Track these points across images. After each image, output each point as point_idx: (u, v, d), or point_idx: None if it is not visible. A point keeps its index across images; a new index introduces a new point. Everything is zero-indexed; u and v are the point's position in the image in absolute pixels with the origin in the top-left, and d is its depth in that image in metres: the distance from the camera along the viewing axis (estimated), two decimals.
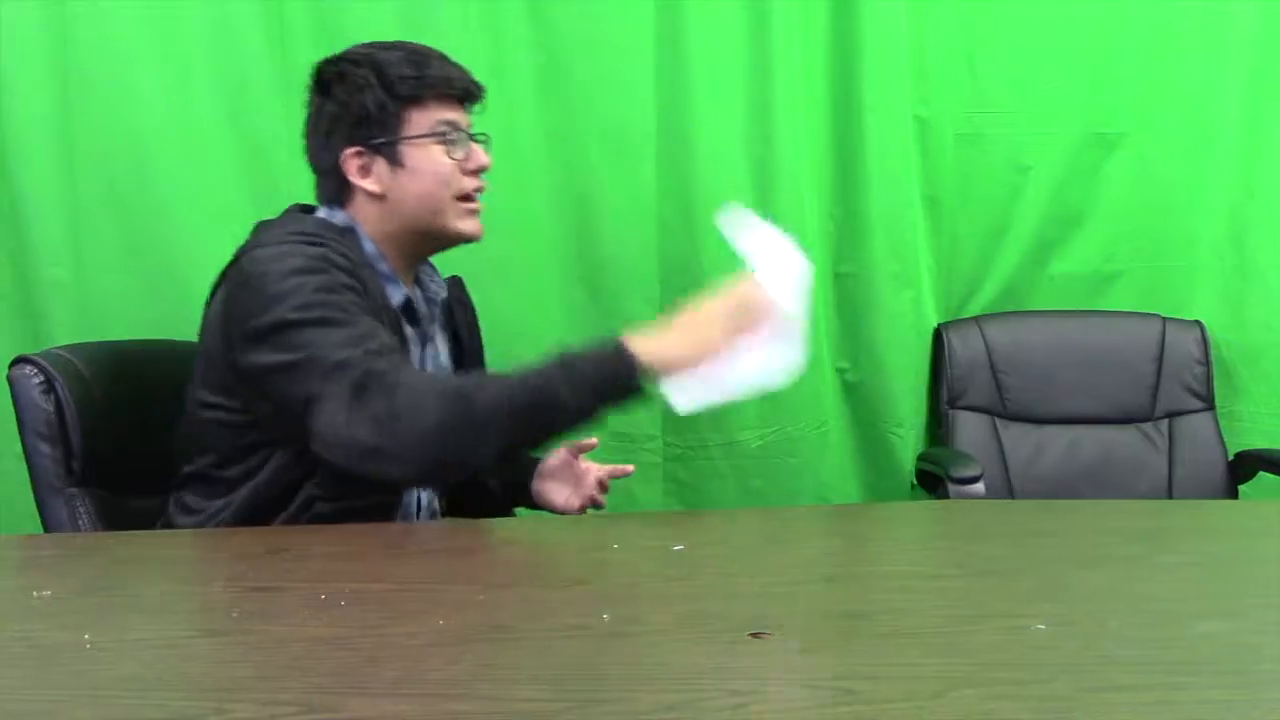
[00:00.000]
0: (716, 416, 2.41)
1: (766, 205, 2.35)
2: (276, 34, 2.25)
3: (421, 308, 1.63)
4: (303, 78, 2.24)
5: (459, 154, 1.56)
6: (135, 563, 1.31)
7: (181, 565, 1.27)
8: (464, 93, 1.59)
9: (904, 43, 2.39)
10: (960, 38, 2.44)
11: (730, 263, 2.35)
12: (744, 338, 1.39)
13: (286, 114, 2.25)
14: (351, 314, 1.42)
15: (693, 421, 2.44)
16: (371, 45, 1.60)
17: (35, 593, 1.06)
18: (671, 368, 1.38)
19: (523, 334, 2.30)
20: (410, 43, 1.60)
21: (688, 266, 2.37)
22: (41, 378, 1.59)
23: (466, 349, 1.74)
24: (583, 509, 1.71)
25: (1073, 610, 1.00)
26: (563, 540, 1.29)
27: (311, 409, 1.36)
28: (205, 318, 1.54)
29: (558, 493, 1.72)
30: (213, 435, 1.50)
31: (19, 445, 2.14)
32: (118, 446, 1.63)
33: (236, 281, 1.47)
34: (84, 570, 1.23)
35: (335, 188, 1.58)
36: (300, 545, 1.29)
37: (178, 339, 1.87)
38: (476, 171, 1.59)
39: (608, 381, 1.37)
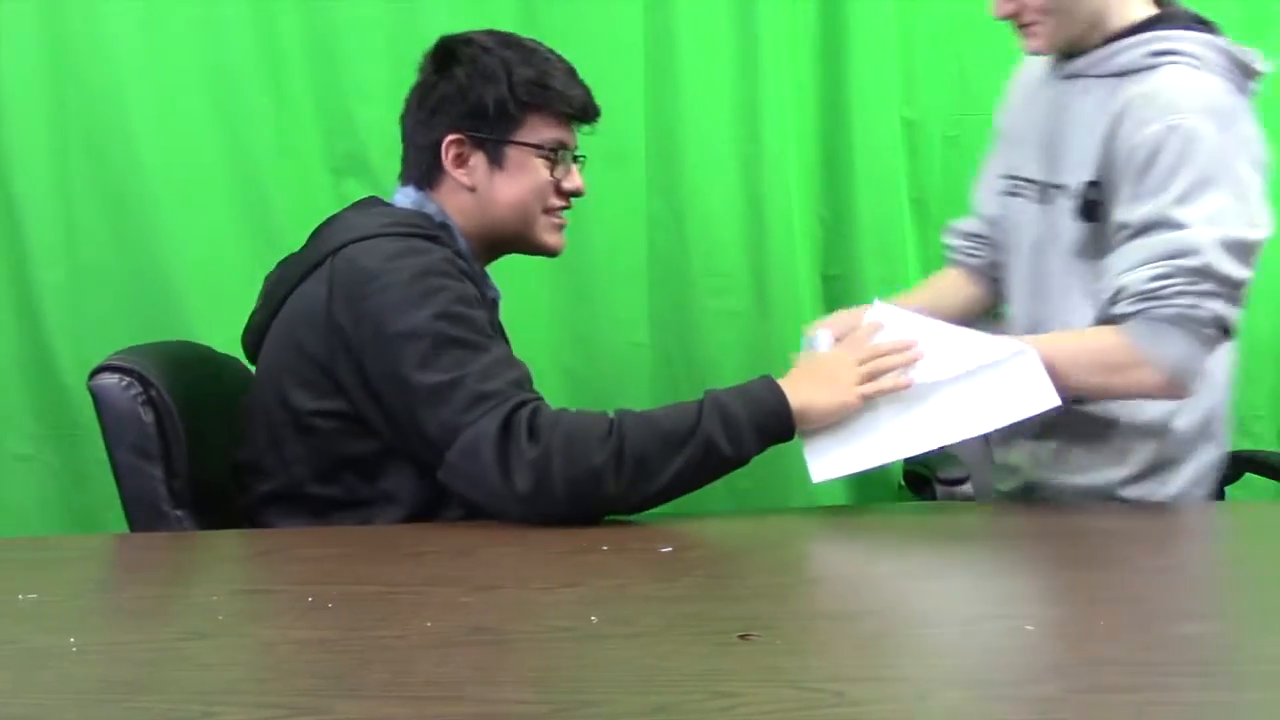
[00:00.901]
0: None
1: (754, 206, 2.35)
2: (267, 36, 2.24)
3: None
4: (292, 81, 2.26)
5: (559, 173, 1.55)
6: (122, 566, 1.31)
7: (169, 568, 1.27)
8: (580, 113, 1.57)
9: (892, 44, 2.39)
10: (949, 39, 2.44)
11: (718, 263, 2.37)
12: (878, 391, 1.42)
13: (276, 116, 2.26)
14: (489, 335, 1.40)
15: None
16: (500, 38, 1.55)
17: (21, 596, 1.06)
18: (813, 422, 1.41)
19: (510, 331, 2.30)
20: (541, 46, 1.58)
21: (677, 266, 2.37)
22: (138, 387, 1.45)
23: None
24: None
25: (1060, 611, 1.01)
26: (551, 542, 1.29)
27: (449, 439, 1.33)
28: (283, 316, 1.46)
29: None
30: (317, 446, 1.42)
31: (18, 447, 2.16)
32: (211, 463, 1.51)
33: (348, 276, 1.40)
34: (70, 573, 1.23)
35: (426, 167, 1.54)
36: (288, 547, 1.29)
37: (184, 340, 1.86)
38: (570, 194, 1.58)
39: (763, 431, 1.39)
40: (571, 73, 1.57)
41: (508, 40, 1.55)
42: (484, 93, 1.50)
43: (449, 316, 1.37)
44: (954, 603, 1.07)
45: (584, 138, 2.31)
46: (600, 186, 2.34)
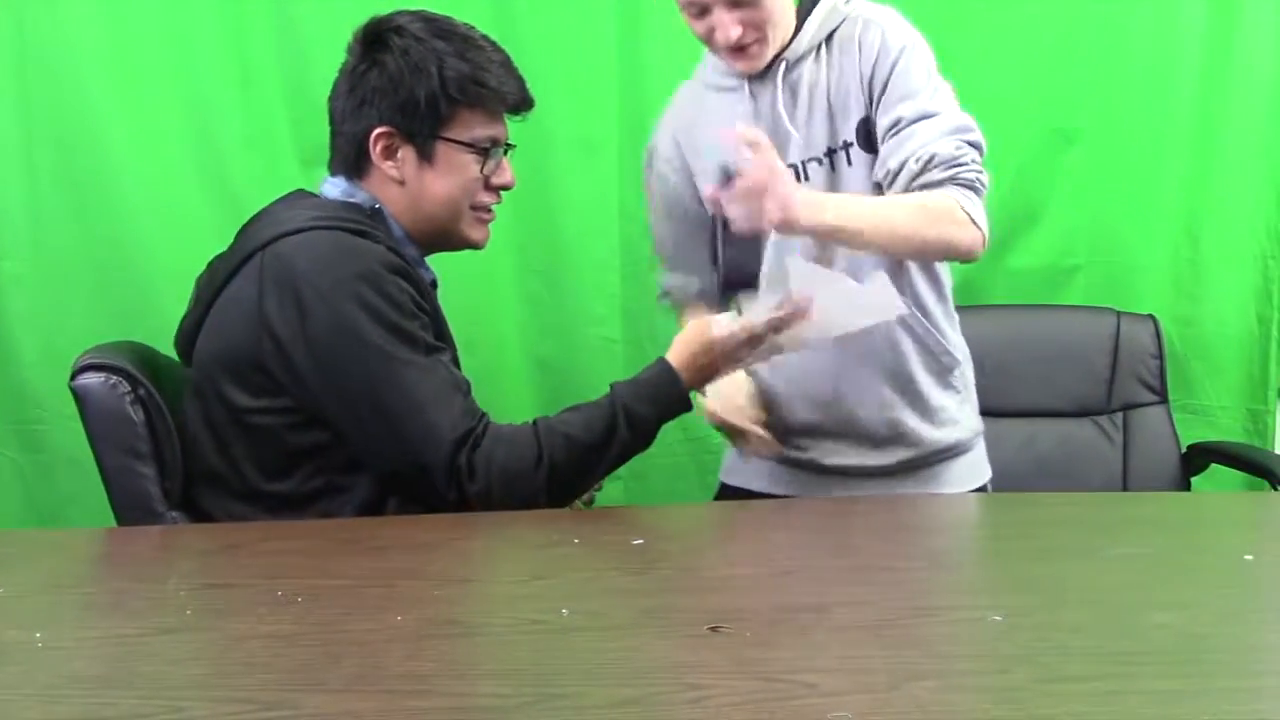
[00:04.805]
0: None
1: None
2: (234, 26, 2.23)
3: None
4: (259, 76, 2.25)
5: (489, 168, 1.52)
6: (88, 560, 1.30)
7: (135, 562, 1.26)
8: (514, 108, 1.53)
9: None
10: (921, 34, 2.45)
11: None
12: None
13: (244, 110, 2.24)
14: (430, 347, 1.40)
15: None
16: (432, 25, 1.49)
17: None
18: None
19: (480, 323, 2.30)
20: (471, 33, 1.51)
21: (648, 258, 2.37)
22: (126, 385, 1.42)
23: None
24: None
25: (1028, 601, 1.01)
26: (522, 535, 1.29)
27: (396, 455, 1.38)
28: (214, 314, 1.44)
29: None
30: (262, 442, 1.41)
31: None
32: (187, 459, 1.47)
33: (278, 273, 1.38)
34: (36, 568, 1.22)
35: (354, 157, 1.50)
36: (256, 541, 1.28)
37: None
38: (499, 189, 1.55)
39: (665, 420, 1.49)
40: (506, 64, 1.52)
41: (440, 29, 1.49)
42: (415, 87, 1.45)
43: (391, 330, 1.37)
44: (923, 594, 1.08)
45: (555, 128, 2.33)
46: (572, 177, 2.35)
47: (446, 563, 1.19)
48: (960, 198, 1.53)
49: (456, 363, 1.50)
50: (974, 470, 1.75)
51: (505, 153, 1.55)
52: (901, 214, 1.51)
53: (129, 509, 1.42)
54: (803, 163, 1.64)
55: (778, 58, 1.62)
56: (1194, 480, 2.43)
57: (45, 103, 2.17)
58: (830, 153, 1.63)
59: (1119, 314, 2.46)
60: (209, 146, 2.24)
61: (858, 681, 0.83)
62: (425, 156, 1.48)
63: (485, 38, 1.53)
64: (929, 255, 1.64)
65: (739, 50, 1.58)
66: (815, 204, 1.45)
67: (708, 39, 1.59)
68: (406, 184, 1.49)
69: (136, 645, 0.91)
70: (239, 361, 1.40)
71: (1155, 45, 2.47)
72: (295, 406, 1.39)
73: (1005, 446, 2.41)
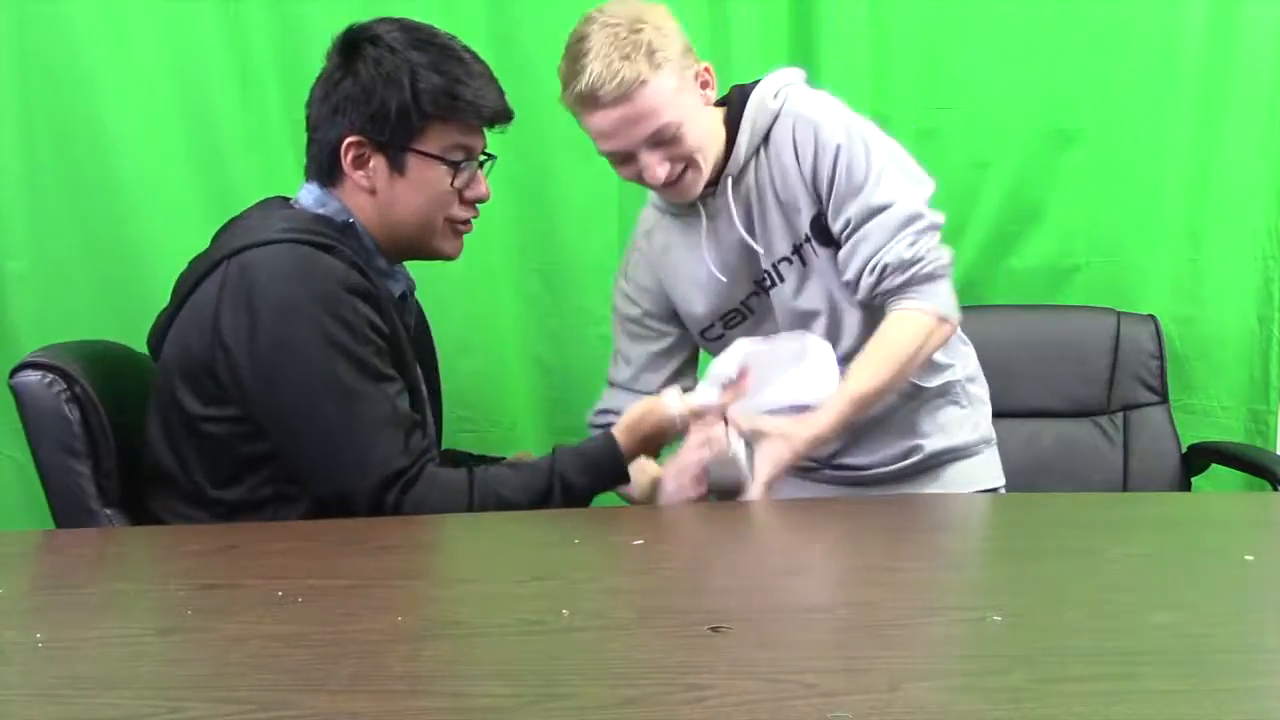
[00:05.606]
0: None
1: None
2: (234, 27, 2.23)
3: (409, 300, 1.60)
4: (259, 76, 2.24)
5: (462, 181, 1.51)
6: (88, 561, 1.30)
7: (135, 563, 1.26)
8: (490, 120, 1.52)
9: (863, 38, 2.39)
10: (919, 34, 2.45)
11: None
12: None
13: (244, 109, 2.24)
14: (379, 376, 1.39)
15: None
16: (411, 35, 1.47)
17: None
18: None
19: (480, 323, 2.30)
20: (451, 43, 1.50)
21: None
22: (62, 384, 1.43)
23: (425, 356, 1.69)
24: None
25: (1028, 602, 1.01)
26: (522, 536, 1.29)
27: (324, 479, 1.38)
28: (180, 317, 1.44)
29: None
30: (213, 449, 1.42)
31: None
32: (130, 458, 1.50)
33: (239, 284, 1.37)
34: (36, 568, 1.22)
35: (328, 163, 1.49)
36: (255, 542, 1.28)
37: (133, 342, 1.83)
38: (473, 201, 1.54)
39: (598, 490, 1.50)
40: (485, 76, 1.51)
41: (417, 39, 1.48)
42: (386, 97, 1.44)
43: (340, 353, 1.36)
44: (923, 594, 1.08)
45: (555, 129, 2.32)
46: (572, 177, 2.35)
47: (446, 563, 1.19)
48: (919, 303, 1.58)
49: (414, 390, 1.49)
50: (980, 473, 1.76)
51: (482, 164, 1.54)
52: (883, 370, 1.56)
53: (63, 505, 1.44)
54: (774, 266, 1.66)
55: (721, 173, 1.62)
56: (1194, 480, 2.42)
57: (46, 103, 2.17)
58: (796, 249, 1.65)
59: (1119, 314, 2.46)
60: (209, 146, 2.23)
61: (858, 681, 0.82)
62: (396, 167, 1.48)
63: (466, 49, 1.51)
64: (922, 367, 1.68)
65: (671, 185, 1.59)
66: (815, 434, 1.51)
67: (637, 181, 1.59)
68: (377, 194, 1.49)
69: (136, 645, 0.91)
70: (194, 368, 1.41)
71: (1155, 45, 2.46)
72: (244, 416, 1.40)
73: (1006, 446, 2.39)
